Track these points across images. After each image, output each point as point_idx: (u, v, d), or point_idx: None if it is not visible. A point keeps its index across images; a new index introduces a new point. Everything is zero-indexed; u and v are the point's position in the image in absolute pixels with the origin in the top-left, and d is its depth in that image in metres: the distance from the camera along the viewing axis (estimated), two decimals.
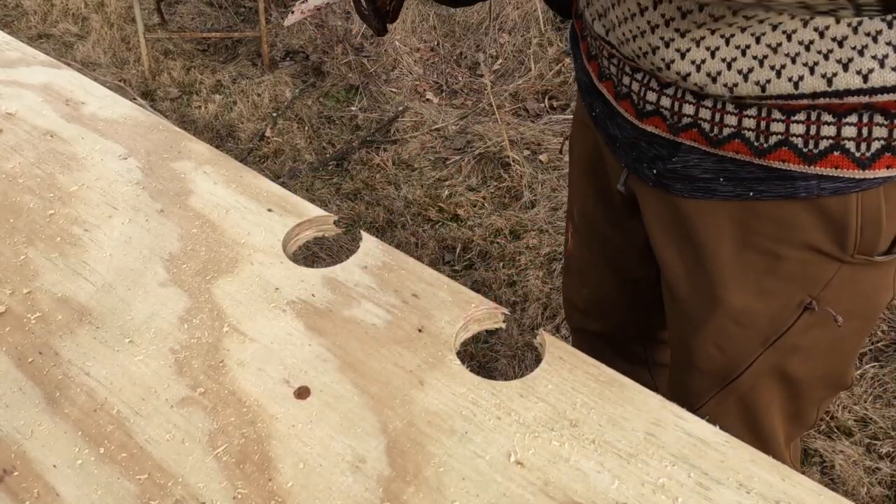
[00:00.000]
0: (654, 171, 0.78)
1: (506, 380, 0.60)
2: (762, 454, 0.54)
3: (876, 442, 1.63)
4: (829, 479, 1.56)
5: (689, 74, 0.67)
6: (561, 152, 2.50)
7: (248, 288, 0.68)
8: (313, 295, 0.68)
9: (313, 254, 2.11)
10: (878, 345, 1.82)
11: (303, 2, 0.75)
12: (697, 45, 0.66)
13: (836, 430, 1.66)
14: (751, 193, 0.72)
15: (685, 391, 0.92)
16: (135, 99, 2.75)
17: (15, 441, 0.57)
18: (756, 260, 0.77)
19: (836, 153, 0.67)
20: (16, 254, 0.73)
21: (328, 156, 2.56)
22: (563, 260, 1.24)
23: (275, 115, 2.75)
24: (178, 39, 3.21)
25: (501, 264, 2.09)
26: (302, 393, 0.60)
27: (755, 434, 0.90)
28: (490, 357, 1.83)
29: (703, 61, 0.66)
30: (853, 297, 0.78)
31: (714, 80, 0.66)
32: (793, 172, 0.69)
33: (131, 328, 0.65)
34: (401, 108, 2.77)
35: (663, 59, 0.68)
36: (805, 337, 0.81)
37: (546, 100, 2.80)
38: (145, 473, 0.55)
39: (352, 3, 0.76)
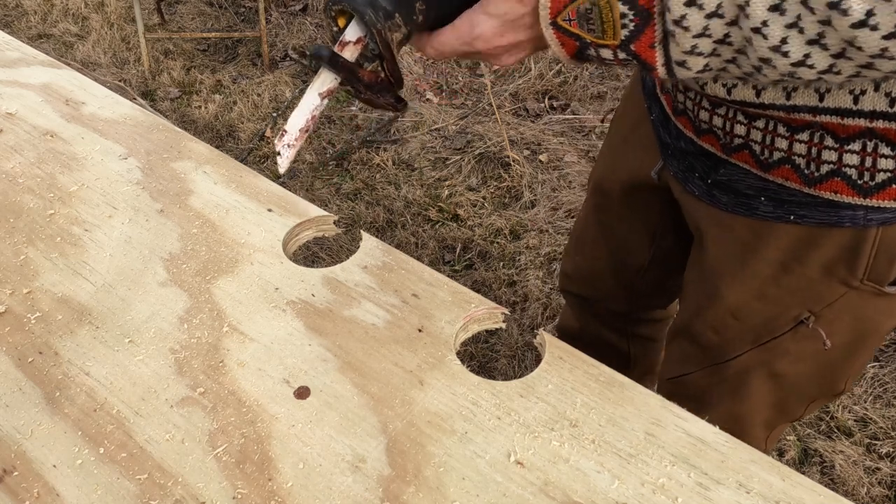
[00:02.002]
0: (708, 181, 0.77)
1: (506, 380, 0.60)
2: (762, 454, 0.54)
3: (876, 442, 1.63)
4: (829, 479, 1.56)
5: (735, 86, 0.66)
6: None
7: (248, 288, 0.68)
8: (313, 295, 0.68)
9: (313, 254, 2.11)
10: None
11: (281, 136, 0.63)
12: None
13: (836, 430, 1.66)
14: (791, 217, 0.71)
15: (681, 357, 0.95)
16: (135, 99, 2.75)
17: (15, 441, 0.57)
18: (764, 268, 0.77)
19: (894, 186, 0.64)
20: (16, 254, 0.73)
21: (328, 156, 2.56)
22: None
23: (275, 115, 2.75)
24: (178, 39, 3.21)
25: (501, 264, 2.09)
26: (302, 393, 0.60)
27: (735, 411, 0.92)
28: (490, 357, 1.83)
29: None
30: (854, 319, 0.77)
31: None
32: (841, 203, 0.67)
33: (131, 328, 0.65)
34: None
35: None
36: (795, 346, 0.81)
37: (546, 100, 2.80)
38: (145, 473, 0.55)
39: (356, 97, 0.70)
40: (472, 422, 0.57)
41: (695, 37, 0.50)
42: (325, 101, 0.64)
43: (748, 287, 0.80)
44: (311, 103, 0.64)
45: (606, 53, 0.55)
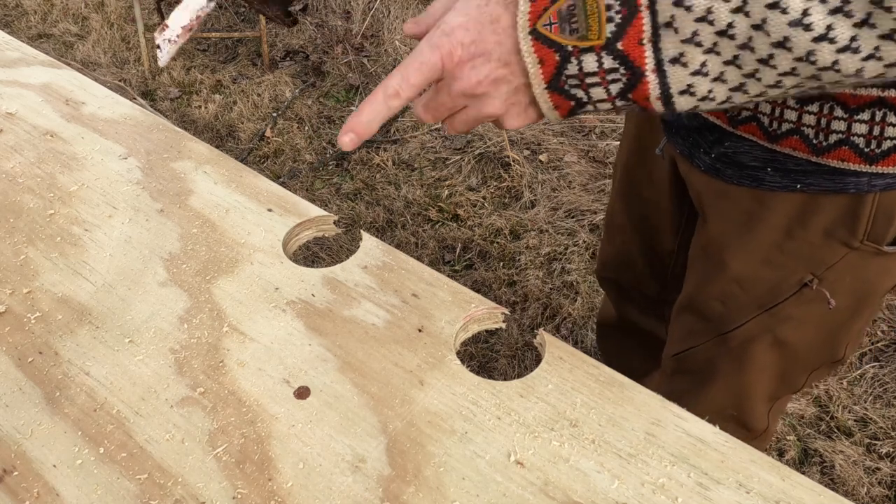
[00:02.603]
0: (712, 155, 0.79)
1: (506, 380, 0.60)
2: (762, 454, 0.54)
3: (876, 442, 1.63)
4: (829, 479, 1.56)
5: None
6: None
7: (248, 288, 0.68)
8: (313, 295, 0.68)
9: (313, 254, 2.11)
10: (878, 345, 1.82)
11: (162, 30, 0.65)
12: None
13: (836, 430, 1.66)
14: (798, 186, 0.73)
15: (687, 332, 0.97)
16: (135, 99, 2.75)
17: (15, 441, 0.57)
18: (768, 235, 0.79)
19: None
20: (16, 253, 0.73)
21: (328, 156, 2.56)
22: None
23: (275, 115, 2.75)
24: None
25: (501, 264, 2.09)
26: (302, 393, 0.60)
27: (739, 382, 0.94)
28: (490, 357, 1.83)
29: None
30: (855, 280, 0.80)
31: None
32: (848, 170, 0.69)
33: (131, 328, 0.65)
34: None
35: None
36: (799, 309, 0.83)
37: None
38: (145, 473, 0.55)
39: (249, 7, 0.69)
40: (472, 422, 0.57)
41: (696, 20, 0.45)
42: (213, 3, 0.66)
43: (753, 255, 0.82)
44: (198, 3, 0.66)
45: (590, 62, 0.49)
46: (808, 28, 0.44)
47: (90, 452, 0.56)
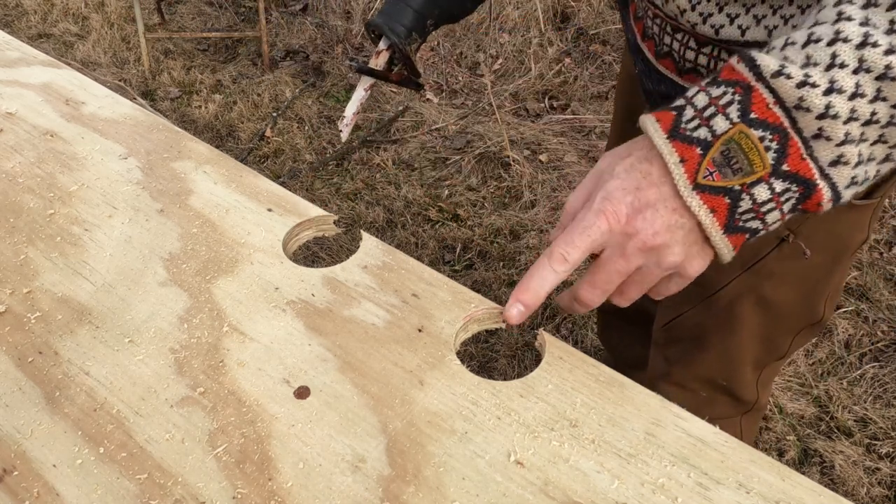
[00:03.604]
0: None
1: (506, 380, 0.60)
2: (762, 454, 0.54)
3: (876, 442, 1.63)
4: (829, 479, 1.56)
5: (722, 27, 0.68)
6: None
7: (248, 288, 0.68)
8: (313, 295, 0.68)
9: (313, 253, 2.11)
10: (878, 345, 1.82)
11: (341, 120, 1.00)
12: (747, 13, 0.66)
13: (836, 430, 1.66)
14: None
15: (675, 300, 0.99)
16: (135, 99, 2.75)
17: (15, 440, 0.57)
18: None
19: None
20: (16, 253, 0.73)
21: (328, 156, 2.56)
22: None
23: (275, 114, 2.75)
24: (179, 39, 3.21)
25: (501, 264, 2.09)
26: (302, 393, 0.60)
27: (727, 346, 0.97)
28: (490, 357, 1.83)
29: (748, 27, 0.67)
30: (827, 235, 0.83)
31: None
32: None
33: (131, 328, 0.65)
34: (401, 108, 2.77)
35: (701, 14, 0.69)
36: (779, 265, 0.86)
37: (546, 100, 2.80)
38: (145, 473, 0.55)
39: (390, 85, 0.96)
40: (472, 422, 0.57)
41: (845, 122, 0.48)
42: (368, 92, 1.00)
43: None
44: (359, 96, 1.00)
45: (762, 192, 0.51)
46: None
47: (90, 452, 0.56)
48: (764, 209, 0.52)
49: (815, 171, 0.50)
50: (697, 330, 0.98)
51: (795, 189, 0.51)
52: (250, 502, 0.53)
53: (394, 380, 0.60)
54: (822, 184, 0.50)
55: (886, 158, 0.52)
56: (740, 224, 0.53)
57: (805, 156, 0.50)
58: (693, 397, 1.04)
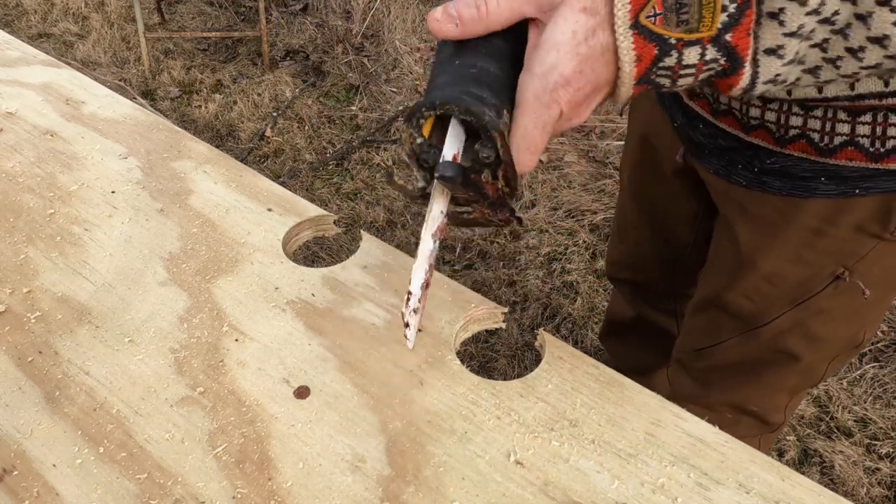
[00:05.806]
0: (756, 169, 0.79)
1: (506, 380, 0.60)
2: (762, 455, 0.54)
3: (876, 442, 1.63)
4: (829, 479, 1.56)
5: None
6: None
7: (248, 287, 0.68)
8: (313, 294, 0.68)
9: (313, 253, 2.11)
10: (879, 345, 1.82)
11: (407, 301, 0.53)
12: None
13: (836, 430, 1.66)
14: (857, 191, 0.74)
15: (712, 328, 0.98)
16: (135, 98, 2.75)
17: (15, 440, 0.57)
18: (798, 235, 0.80)
19: None
20: (16, 253, 0.73)
21: (328, 155, 2.56)
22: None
23: (275, 114, 2.75)
24: (179, 39, 3.21)
25: (501, 264, 2.09)
26: (302, 392, 0.60)
27: (768, 375, 0.96)
28: (490, 357, 1.83)
29: None
30: (883, 270, 0.81)
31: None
32: None
33: (131, 328, 0.65)
34: (401, 108, 2.77)
35: None
36: (831, 302, 0.84)
37: None
38: (145, 473, 0.55)
39: (460, 225, 0.53)
40: (471, 421, 0.57)
41: (807, 14, 0.44)
42: (437, 242, 0.52)
43: (783, 253, 0.82)
44: (426, 249, 0.52)
45: (692, 55, 0.45)
46: None
47: (90, 452, 0.56)
48: (683, 72, 0.47)
49: (750, 51, 0.45)
50: (737, 359, 0.97)
51: (723, 63, 0.46)
52: (250, 502, 0.53)
53: (394, 380, 0.60)
54: (748, 68, 0.46)
55: (812, 71, 0.47)
56: (651, 78, 0.47)
57: (751, 32, 0.45)
58: (719, 418, 1.03)
